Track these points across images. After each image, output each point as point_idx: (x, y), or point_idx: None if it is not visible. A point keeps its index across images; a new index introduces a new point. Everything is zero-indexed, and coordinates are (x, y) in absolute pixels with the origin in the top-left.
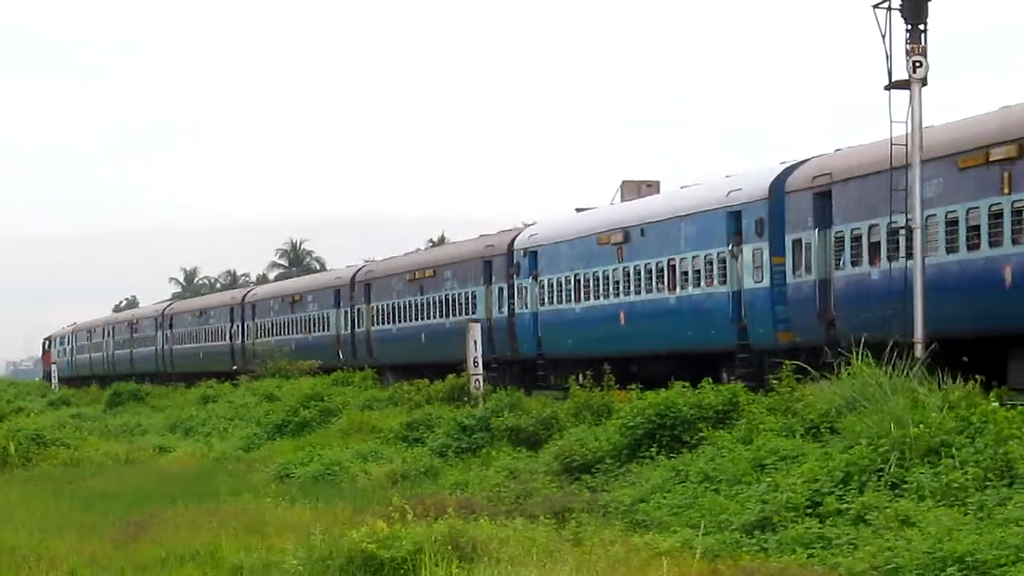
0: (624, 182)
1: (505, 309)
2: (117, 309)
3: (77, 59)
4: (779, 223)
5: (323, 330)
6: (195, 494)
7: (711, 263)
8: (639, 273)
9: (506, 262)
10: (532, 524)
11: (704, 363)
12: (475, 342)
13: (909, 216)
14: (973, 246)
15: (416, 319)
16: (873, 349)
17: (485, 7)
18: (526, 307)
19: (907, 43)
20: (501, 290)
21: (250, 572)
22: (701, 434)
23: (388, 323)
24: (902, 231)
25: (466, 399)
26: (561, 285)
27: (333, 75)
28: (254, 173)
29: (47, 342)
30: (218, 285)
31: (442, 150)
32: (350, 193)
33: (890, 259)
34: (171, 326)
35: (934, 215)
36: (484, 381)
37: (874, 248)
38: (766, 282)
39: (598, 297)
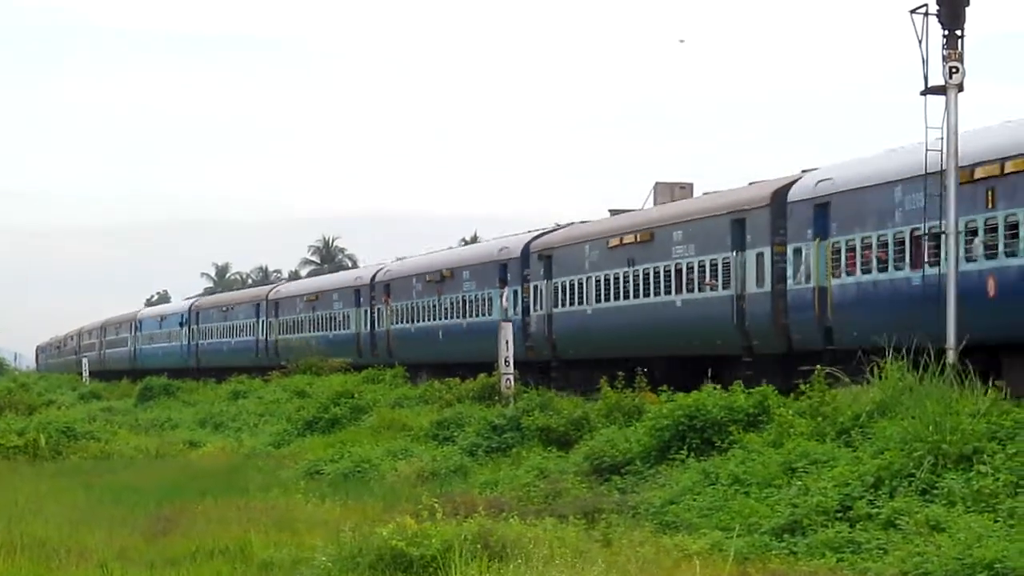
0: (657, 184)
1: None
2: (149, 303)
3: (115, 53)
4: (528, 274)
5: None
6: (225, 489)
7: (489, 299)
8: (450, 304)
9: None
10: (562, 524)
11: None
12: (507, 341)
13: (944, 222)
14: (625, 297)
15: None
16: (582, 363)
17: (524, 7)
18: (385, 324)
19: (944, 49)
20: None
21: (279, 568)
22: (731, 437)
23: None
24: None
25: (497, 398)
26: (407, 310)
27: (367, 72)
28: (288, 169)
29: (38, 350)
30: (249, 281)
31: (476, 149)
32: (382, 191)
33: (586, 302)
34: (140, 329)
35: (592, 277)
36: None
37: (574, 293)
38: (519, 315)
39: (424, 320)
